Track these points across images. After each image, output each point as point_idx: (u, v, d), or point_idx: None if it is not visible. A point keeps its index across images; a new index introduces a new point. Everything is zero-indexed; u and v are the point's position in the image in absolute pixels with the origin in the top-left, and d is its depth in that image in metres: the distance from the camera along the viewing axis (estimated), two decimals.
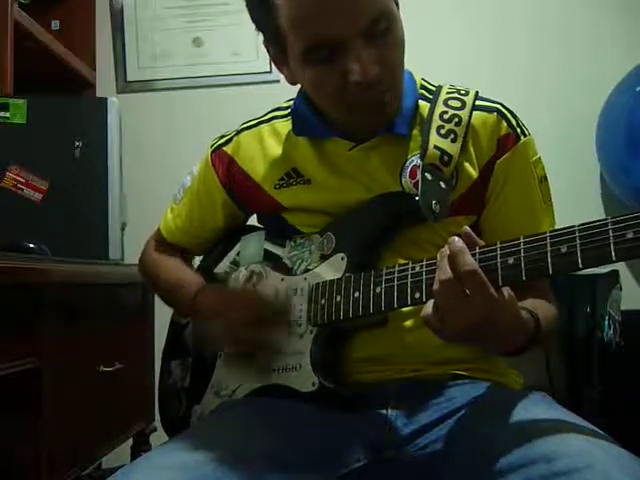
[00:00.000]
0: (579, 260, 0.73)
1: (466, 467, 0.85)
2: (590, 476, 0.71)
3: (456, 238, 0.79)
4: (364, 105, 0.95)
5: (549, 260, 0.76)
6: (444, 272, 0.78)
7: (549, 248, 0.76)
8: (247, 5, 0.99)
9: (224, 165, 1.14)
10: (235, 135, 1.15)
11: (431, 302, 0.81)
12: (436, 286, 0.79)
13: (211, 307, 1.06)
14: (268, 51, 1.03)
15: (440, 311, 0.79)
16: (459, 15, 2.35)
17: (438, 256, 0.81)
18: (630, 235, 0.70)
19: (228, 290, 1.12)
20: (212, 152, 1.16)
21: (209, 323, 1.06)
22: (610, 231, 0.72)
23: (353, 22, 0.89)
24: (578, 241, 0.74)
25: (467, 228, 0.82)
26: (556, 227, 1.03)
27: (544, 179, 1.04)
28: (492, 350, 0.91)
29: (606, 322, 1.75)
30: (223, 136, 1.17)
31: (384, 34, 0.92)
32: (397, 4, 0.97)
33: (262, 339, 1.01)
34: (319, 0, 0.88)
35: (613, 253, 0.71)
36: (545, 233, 0.77)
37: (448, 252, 0.79)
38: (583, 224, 0.74)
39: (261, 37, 1.02)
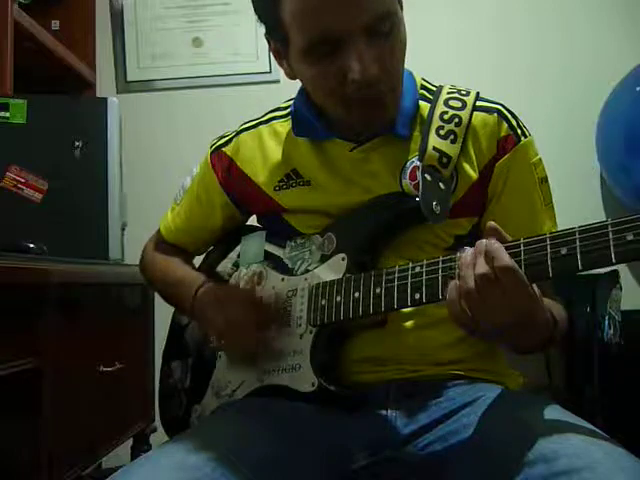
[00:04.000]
0: (579, 262, 0.74)
1: (466, 467, 0.85)
2: (589, 476, 0.71)
3: (484, 240, 0.79)
4: (362, 103, 0.95)
5: (549, 263, 0.76)
6: (482, 269, 0.76)
7: (549, 250, 0.76)
8: None
9: (223, 166, 1.14)
10: (235, 136, 1.14)
11: (454, 301, 0.80)
12: (470, 284, 0.77)
13: (210, 306, 1.06)
14: (269, 43, 1.02)
15: (473, 309, 0.78)
16: (459, 15, 2.35)
17: (463, 257, 0.80)
18: (630, 237, 0.70)
19: (227, 289, 1.12)
20: (211, 153, 1.16)
21: (209, 322, 1.06)
22: (610, 233, 0.72)
23: (357, 18, 0.89)
24: (578, 243, 0.74)
25: (493, 223, 0.81)
26: (556, 228, 1.04)
27: (545, 180, 1.04)
28: (517, 347, 0.92)
29: (606, 322, 1.74)
30: (223, 137, 1.17)
31: (387, 35, 0.92)
32: (401, 6, 0.97)
33: (260, 340, 1.01)
34: None
35: (613, 255, 0.71)
36: (545, 235, 0.77)
37: (479, 250, 0.78)
38: (583, 226, 0.74)
39: (261, 35, 1.03)
